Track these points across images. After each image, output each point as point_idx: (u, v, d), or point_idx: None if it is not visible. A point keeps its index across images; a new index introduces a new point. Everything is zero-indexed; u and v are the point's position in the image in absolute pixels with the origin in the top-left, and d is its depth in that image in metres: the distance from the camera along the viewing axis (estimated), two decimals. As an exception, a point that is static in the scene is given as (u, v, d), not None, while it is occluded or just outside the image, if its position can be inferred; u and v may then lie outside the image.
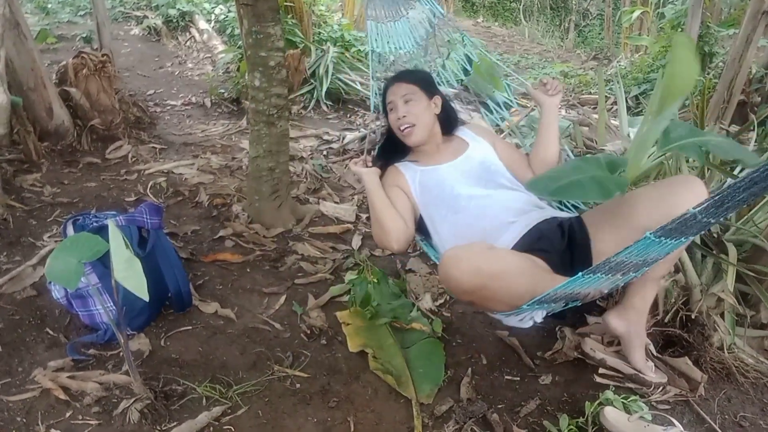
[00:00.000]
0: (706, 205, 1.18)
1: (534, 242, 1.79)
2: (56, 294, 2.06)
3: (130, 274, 1.45)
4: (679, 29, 4.60)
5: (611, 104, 4.47)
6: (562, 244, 1.82)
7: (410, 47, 2.44)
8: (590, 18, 12.79)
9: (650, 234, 1.26)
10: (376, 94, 2.35)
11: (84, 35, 6.11)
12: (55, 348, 1.95)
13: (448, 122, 2.14)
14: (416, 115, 2.01)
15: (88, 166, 3.48)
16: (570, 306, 1.75)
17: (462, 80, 2.47)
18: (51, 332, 2.03)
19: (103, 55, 3.72)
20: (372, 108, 2.36)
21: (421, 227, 2.05)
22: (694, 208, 1.17)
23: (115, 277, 1.45)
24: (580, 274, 1.40)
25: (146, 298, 1.45)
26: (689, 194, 1.69)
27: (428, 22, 2.44)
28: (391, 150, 2.15)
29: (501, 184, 1.99)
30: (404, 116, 2.01)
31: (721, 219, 1.32)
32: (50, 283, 2.08)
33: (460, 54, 2.44)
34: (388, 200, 1.96)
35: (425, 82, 2.11)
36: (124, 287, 1.45)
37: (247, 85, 2.79)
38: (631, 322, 1.86)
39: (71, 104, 3.62)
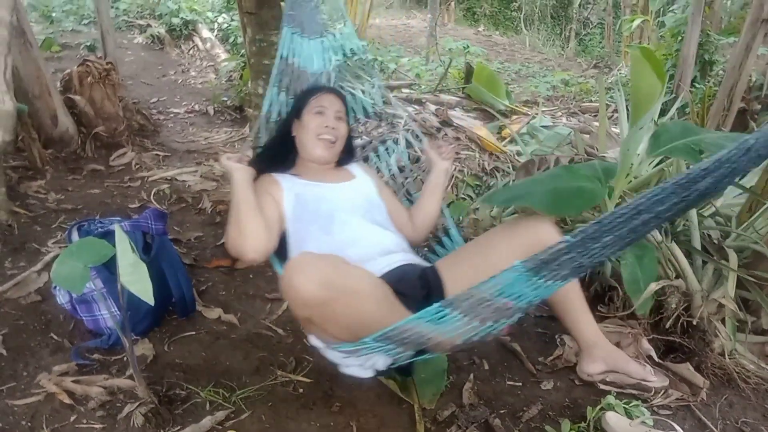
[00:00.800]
0: (582, 236, 1.11)
1: (395, 282, 1.65)
2: (61, 299, 2.07)
3: (136, 278, 1.46)
4: (680, 37, 4.63)
5: (612, 112, 4.49)
6: (421, 293, 1.73)
7: (318, 68, 2.30)
8: (591, 27, 12.86)
9: (519, 263, 1.19)
10: (271, 102, 2.19)
11: (88, 44, 6.16)
12: (60, 353, 1.96)
13: (347, 155, 2.09)
14: (340, 135, 1.97)
15: (92, 173, 3.51)
16: (418, 358, 1.62)
17: (366, 115, 2.42)
18: (55, 337, 2.04)
19: (107, 63, 3.75)
20: (264, 111, 2.17)
21: (282, 245, 1.84)
22: (570, 238, 1.11)
23: (121, 281, 1.46)
24: (434, 305, 1.29)
25: (151, 302, 1.46)
26: (546, 236, 1.69)
27: (342, 51, 2.34)
28: (277, 158, 2.00)
29: (377, 221, 1.91)
30: (334, 128, 1.94)
31: (599, 260, 1.17)
32: (55, 288, 2.10)
33: (374, 88, 2.38)
34: (255, 204, 1.73)
35: (348, 111, 2.10)
36: (129, 292, 1.46)
37: (250, 93, 2.82)
38: (601, 356, 1.86)
39: (76, 112, 3.65)
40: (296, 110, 2.02)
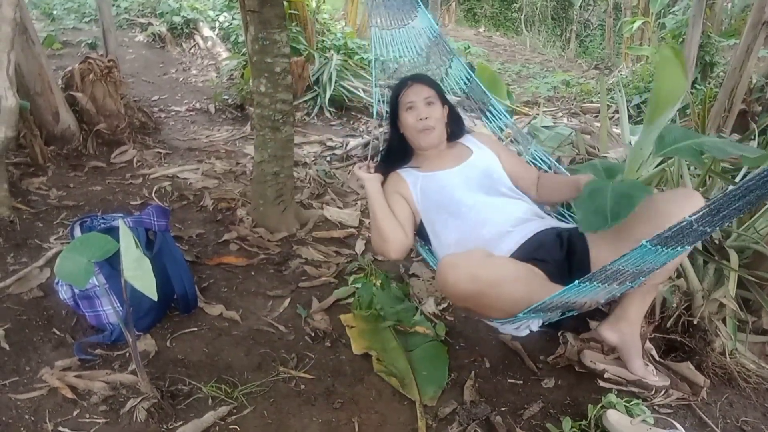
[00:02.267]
0: (701, 213, 1.18)
1: (532, 251, 1.80)
2: (63, 295, 2.08)
3: (140, 273, 1.47)
4: (680, 39, 4.64)
5: (613, 113, 4.51)
6: (560, 254, 1.82)
7: (413, 55, 2.46)
8: (591, 28, 12.89)
9: (646, 242, 1.27)
10: (378, 101, 2.36)
11: (89, 41, 6.16)
12: (62, 348, 1.97)
13: (456, 130, 2.16)
14: (436, 119, 2.03)
15: (94, 170, 3.51)
16: (567, 315, 1.75)
17: (464, 89, 2.49)
18: (58, 332, 2.04)
19: (109, 61, 3.75)
20: (374, 114, 2.37)
21: (421, 233, 2.05)
22: (690, 216, 1.18)
23: (125, 276, 1.47)
24: (576, 282, 1.41)
25: (155, 297, 1.47)
26: (687, 206, 1.67)
27: (429, 32, 2.46)
28: (396, 155, 2.15)
29: (502, 193, 1.99)
30: (426, 117, 2.01)
31: (717, 228, 1.32)
32: (57, 283, 2.10)
33: (459, 65, 2.46)
34: (388, 209, 1.97)
35: (440, 90, 2.13)
36: (132, 288, 1.47)
37: (252, 91, 2.82)
38: (624, 333, 1.87)
39: (77, 109, 3.65)
40: (394, 113, 2.12)
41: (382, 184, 2.06)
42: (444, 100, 2.11)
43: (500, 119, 2.46)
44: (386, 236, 1.93)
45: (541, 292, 1.55)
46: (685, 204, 1.70)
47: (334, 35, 5.77)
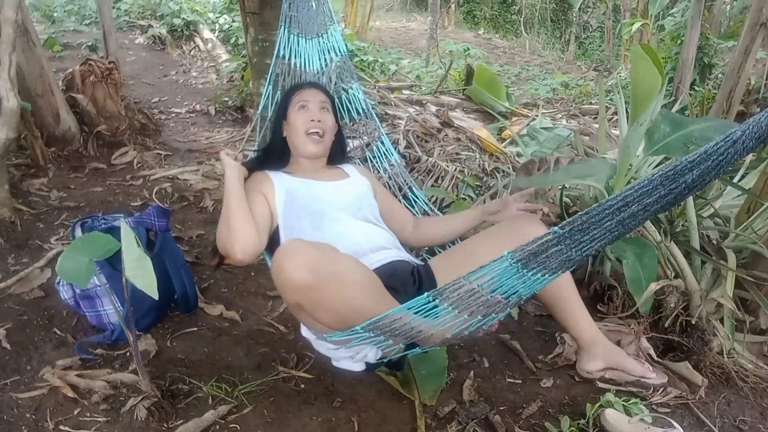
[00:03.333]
0: (569, 228, 1.11)
1: (386, 278, 1.64)
2: (64, 295, 2.09)
3: (141, 273, 1.48)
4: (679, 41, 4.65)
5: (612, 114, 4.52)
6: (412, 288, 1.74)
7: (317, 68, 2.30)
8: (590, 30, 12.91)
9: (507, 253, 1.19)
10: (269, 96, 2.20)
11: (89, 43, 6.18)
12: (63, 347, 1.98)
13: (338, 152, 2.07)
14: (327, 127, 1.93)
15: (94, 171, 3.53)
16: (409, 352, 1.64)
17: (356, 118, 2.40)
18: (59, 332, 2.05)
19: (109, 63, 3.77)
20: (260, 108, 2.19)
21: (273, 241, 1.82)
22: (558, 228, 1.12)
23: (126, 275, 1.47)
24: (425, 294, 1.30)
25: (155, 296, 1.48)
26: (533, 229, 1.68)
27: (338, 50, 2.32)
28: (271, 159, 2.00)
29: (368, 219, 1.90)
30: (319, 121, 1.91)
31: (586, 254, 1.16)
32: (58, 283, 2.11)
33: (360, 93, 2.36)
34: (246, 204, 1.73)
35: (334, 104, 2.07)
36: (133, 288, 1.48)
37: (252, 93, 2.84)
38: (600, 354, 1.86)
39: (78, 110, 3.67)
40: (282, 110, 2.00)
41: (246, 179, 1.84)
42: (337, 116, 2.03)
43: (388, 156, 2.36)
44: (236, 233, 1.66)
45: (384, 304, 1.44)
46: (532, 228, 1.70)
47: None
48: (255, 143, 2.25)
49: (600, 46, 11.65)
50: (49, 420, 1.64)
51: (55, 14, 7.08)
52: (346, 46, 2.33)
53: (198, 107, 5.09)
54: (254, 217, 1.72)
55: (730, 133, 0.94)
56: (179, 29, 6.89)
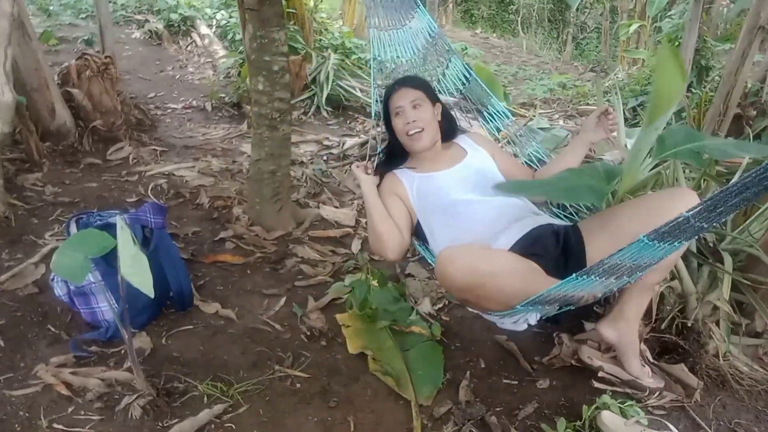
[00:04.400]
0: (699, 209, 1.20)
1: (529, 246, 1.81)
2: (58, 291, 2.07)
3: (137, 270, 1.47)
4: (677, 43, 4.66)
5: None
6: (556, 250, 1.84)
7: (411, 56, 2.44)
8: (588, 31, 12.92)
9: (644, 237, 1.28)
10: (377, 101, 2.36)
11: (86, 38, 6.13)
12: (57, 345, 1.96)
13: (448, 130, 2.15)
14: (425, 121, 2.02)
15: (89, 166, 3.50)
16: (564, 310, 1.77)
17: (461, 89, 2.48)
18: (53, 329, 2.04)
19: (106, 57, 3.75)
20: (373, 115, 2.36)
21: (418, 232, 2.06)
22: (687, 212, 1.20)
23: (122, 273, 1.46)
24: (573, 275, 1.43)
25: (152, 294, 1.47)
26: (681, 203, 1.69)
27: (427, 32, 2.45)
28: (391, 158, 2.16)
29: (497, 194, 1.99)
30: (414, 121, 2.01)
31: (715, 224, 1.33)
32: (53, 280, 2.09)
33: (458, 64, 2.46)
34: (384, 210, 1.98)
35: (429, 89, 2.13)
36: (128, 285, 1.46)
37: (250, 90, 2.82)
38: (622, 332, 1.88)
39: (73, 105, 3.64)
40: (386, 118, 2.13)
41: (378, 185, 2.07)
42: (434, 99, 2.10)
43: (498, 119, 2.45)
44: (383, 238, 1.94)
45: (538, 285, 1.56)
46: (679, 201, 1.71)
47: (332, 34, 5.77)
48: (378, 146, 2.39)
49: (596, 47, 11.65)
50: (42, 418, 1.63)
51: (51, 7, 7.02)
52: (436, 25, 2.45)
53: (194, 103, 5.07)
54: (395, 220, 1.98)
55: None
56: (176, 24, 6.84)
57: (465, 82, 2.43)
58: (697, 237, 2.21)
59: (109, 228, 1.94)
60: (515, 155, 3.00)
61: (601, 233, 1.84)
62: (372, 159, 2.22)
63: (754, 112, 3.99)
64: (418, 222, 2.04)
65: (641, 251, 1.36)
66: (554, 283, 1.50)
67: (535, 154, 2.36)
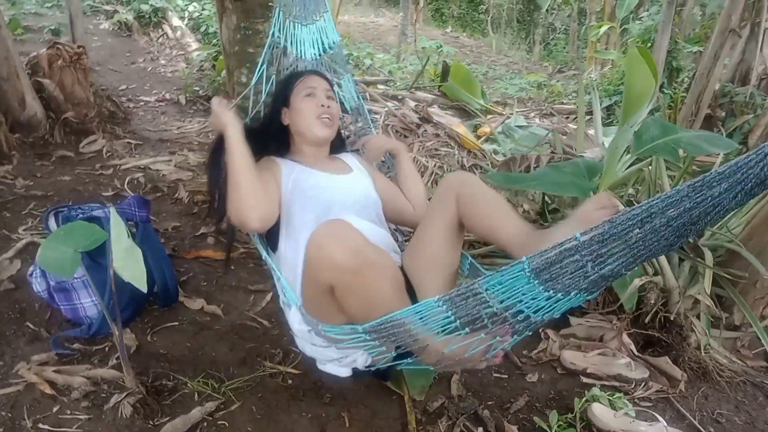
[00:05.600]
0: (590, 236, 1.03)
1: None
2: (37, 287, 2.00)
3: (129, 264, 1.43)
4: (649, 44, 4.77)
5: (586, 113, 4.60)
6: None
7: (311, 56, 2.25)
8: (557, 32, 13.11)
9: (526, 259, 1.10)
10: (262, 74, 2.14)
11: (52, 27, 5.94)
12: (37, 342, 1.89)
13: (337, 142, 2.02)
14: (335, 114, 1.89)
15: (62, 159, 3.39)
16: (396, 364, 1.57)
17: (350, 108, 2.36)
18: (32, 326, 1.96)
19: (78, 47, 3.63)
20: (252, 85, 2.13)
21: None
22: (579, 234, 1.04)
23: (114, 266, 1.42)
24: (435, 298, 1.22)
25: (145, 289, 1.43)
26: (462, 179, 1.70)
27: (331, 39, 2.27)
28: (270, 142, 1.91)
29: (372, 219, 1.83)
30: (329, 107, 1.86)
31: (603, 272, 1.06)
32: (31, 275, 2.02)
33: (351, 83, 2.31)
34: (253, 166, 1.60)
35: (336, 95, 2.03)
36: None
37: (233, 82, 2.77)
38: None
39: (44, 96, 3.52)
40: (283, 98, 1.91)
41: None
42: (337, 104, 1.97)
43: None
44: (249, 197, 1.54)
45: (401, 299, 1.43)
46: (458, 178, 1.72)
47: (308, 29, 5.70)
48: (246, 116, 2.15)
49: (564, 48, 11.84)
50: (26, 418, 1.57)
51: (14, -5, 6.78)
52: (335, 39, 2.28)
53: (168, 96, 4.96)
54: (264, 190, 1.62)
55: (761, 147, 0.88)
56: (147, 16, 6.69)
57: (353, 104, 2.29)
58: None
59: (94, 221, 1.89)
60: (494, 152, 3.02)
61: (413, 258, 1.71)
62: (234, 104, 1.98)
63: (723, 114, 4.12)
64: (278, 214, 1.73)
65: (515, 283, 1.14)
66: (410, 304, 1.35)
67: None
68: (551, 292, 1.14)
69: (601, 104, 4.81)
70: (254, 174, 1.59)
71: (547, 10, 12.59)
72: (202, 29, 6.31)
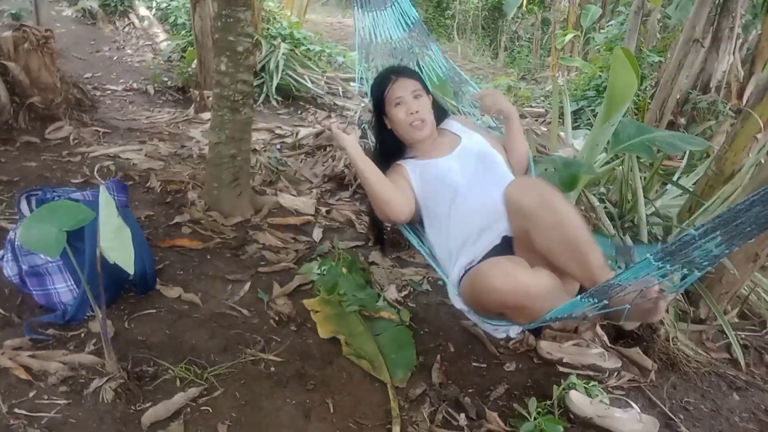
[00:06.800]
0: (705, 228, 1.11)
1: (507, 250, 1.74)
2: (8, 272, 1.94)
3: (118, 245, 1.40)
4: (615, 52, 4.92)
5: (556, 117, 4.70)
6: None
7: (399, 36, 2.40)
8: (522, 40, 13.37)
9: (650, 256, 1.20)
10: (363, 78, 2.34)
11: (13, 11, 5.73)
12: (9, 328, 1.83)
13: (439, 117, 2.13)
14: (425, 111, 2.00)
15: (26, 145, 3.28)
16: (545, 323, 1.73)
17: (441, 76, 2.47)
18: (2, 311, 1.90)
19: (46, 31, 3.52)
20: (356, 89, 2.36)
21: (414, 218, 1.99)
22: (694, 229, 1.13)
23: (102, 247, 1.39)
24: (579, 297, 1.38)
25: (131, 271, 1.41)
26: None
27: (409, 15, 2.42)
28: (389, 152, 2.10)
29: (498, 173, 1.94)
30: (417, 111, 1.98)
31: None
32: (1, 259, 1.95)
33: (437, 50, 2.44)
34: (376, 168, 1.88)
35: (423, 80, 2.12)
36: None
37: (216, 71, 2.73)
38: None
39: (8, 79, 3.39)
40: (379, 109, 2.07)
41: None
42: (428, 90, 2.10)
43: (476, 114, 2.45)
44: (384, 197, 1.85)
45: (559, 302, 1.53)
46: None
47: (280, 24, 5.67)
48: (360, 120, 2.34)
49: (528, 55, 12.07)
50: (1, 403, 1.52)
51: (-29, -23, 6.50)
52: (415, 11, 2.42)
53: (135, 86, 4.85)
54: (398, 189, 1.89)
55: None
56: (112, 4, 6.52)
57: (442, 74, 2.42)
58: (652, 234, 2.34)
59: (73, 204, 1.84)
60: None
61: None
62: (361, 127, 2.19)
63: (683, 120, 4.28)
64: (418, 207, 1.96)
65: (643, 270, 1.25)
66: (568, 300, 1.49)
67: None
68: (685, 270, 1.23)
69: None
70: (381, 177, 1.88)
71: (511, 19, 12.84)
72: (171, 20, 6.19)
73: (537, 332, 2.10)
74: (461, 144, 2.04)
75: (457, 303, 1.79)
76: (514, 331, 1.86)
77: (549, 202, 1.60)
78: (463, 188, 1.88)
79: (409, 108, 1.99)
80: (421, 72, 2.39)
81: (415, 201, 1.93)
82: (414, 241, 2.00)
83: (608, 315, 1.55)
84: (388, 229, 2.57)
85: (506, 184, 1.83)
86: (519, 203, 1.66)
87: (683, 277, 1.30)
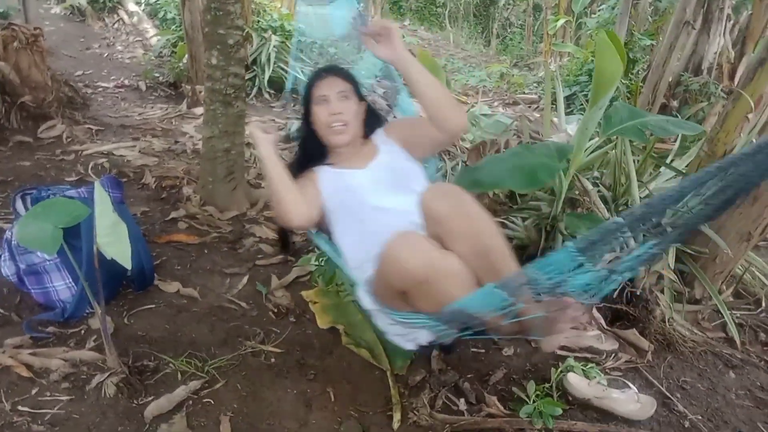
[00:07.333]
0: (629, 219, 1.09)
1: None
2: (6, 271, 1.94)
3: (114, 240, 1.41)
4: (607, 36, 4.91)
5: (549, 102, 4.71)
6: None
7: (340, 33, 2.28)
8: (513, 27, 13.34)
9: (570, 244, 1.14)
10: (296, 79, 2.17)
11: (1, 10, 5.69)
12: (8, 326, 1.84)
13: (372, 124, 1.96)
14: (350, 115, 1.83)
15: (19, 144, 3.28)
16: (461, 335, 1.61)
17: (377, 76, 2.37)
18: (1, 310, 1.91)
19: (35, 29, 3.50)
20: (288, 87, 2.18)
21: (321, 225, 1.85)
22: (620, 216, 1.09)
23: (99, 243, 1.39)
24: (492, 285, 1.29)
25: (129, 266, 1.42)
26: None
27: (350, 12, 2.27)
28: (310, 154, 1.93)
29: (410, 189, 1.78)
30: (339, 113, 1.80)
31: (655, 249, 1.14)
32: (-1, 259, 1.96)
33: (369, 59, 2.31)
34: (284, 173, 1.72)
35: (357, 84, 1.93)
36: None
37: (206, 65, 2.72)
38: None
39: (-1, 79, 3.38)
40: (306, 106, 1.89)
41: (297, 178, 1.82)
42: (361, 96, 1.92)
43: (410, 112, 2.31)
44: (285, 202, 1.69)
45: (466, 289, 1.46)
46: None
47: (270, 16, 5.64)
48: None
49: (519, 42, 12.05)
50: (4, 401, 1.53)
51: (-45, -23, 6.45)
52: (357, 4, 2.25)
53: (127, 82, 4.83)
54: (304, 196, 1.74)
55: None
56: (101, 1, 6.47)
57: (380, 63, 2.26)
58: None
59: (68, 201, 1.84)
60: (462, 139, 3.02)
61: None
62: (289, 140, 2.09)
63: (676, 103, 4.29)
64: (325, 215, 1.82)
65: (562, 262, 1.18)
66: (473, 290, 1.42)
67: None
68: (594, 271, 1.19)
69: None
70: (286, 179, 1.72)
71: (503, 5, 12.81)
72: (160, 15, 6.15)
73: (448, 350, 1.95)
74: (376, 158, 1.88)
75: (366, 302, 1.67)
76: (424, 339, 1.67)
77: (465, 210, 1.57)
78: (375, 201, 1.76)
79: (331, 108, 1.81)
80: (360, 62, 2.27)
81: (320, 209, 1.79)
82: (323, 245, 1.84)
83: (522, 328, 1.48)
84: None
85: (411, 193, 1.75)
86: (435, 210, 1.61)
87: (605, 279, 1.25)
